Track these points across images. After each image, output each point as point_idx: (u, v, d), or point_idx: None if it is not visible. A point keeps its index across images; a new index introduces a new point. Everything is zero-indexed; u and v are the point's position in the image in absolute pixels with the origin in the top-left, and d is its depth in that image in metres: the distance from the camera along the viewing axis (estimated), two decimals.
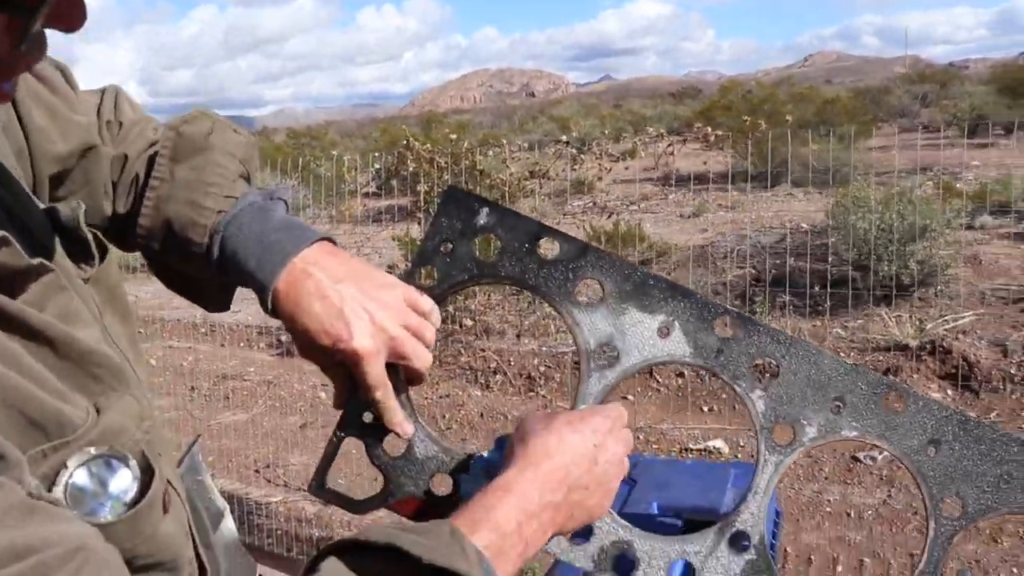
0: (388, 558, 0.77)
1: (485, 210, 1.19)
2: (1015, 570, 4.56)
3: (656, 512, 1.48)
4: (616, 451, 1.02)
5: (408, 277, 1.17)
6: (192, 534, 0.93)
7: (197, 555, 0.94)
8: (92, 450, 0.74)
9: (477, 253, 1.19)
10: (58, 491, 0.71)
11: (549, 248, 1.19)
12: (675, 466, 2.14)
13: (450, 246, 1.18)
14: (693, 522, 1.43)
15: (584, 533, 1.12)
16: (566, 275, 1.17)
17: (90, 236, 0.92)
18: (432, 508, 1.14)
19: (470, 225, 1.18)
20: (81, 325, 0.82)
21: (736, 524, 1.12)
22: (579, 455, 0.98)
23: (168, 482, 0.86)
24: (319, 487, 1.19)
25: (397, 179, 7.11)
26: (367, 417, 1.15)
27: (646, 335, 1.15)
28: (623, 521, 1.12)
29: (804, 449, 1.11)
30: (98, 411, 0.77)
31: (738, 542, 1.12)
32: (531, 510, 0.92)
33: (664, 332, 1.15)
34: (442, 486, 1.14)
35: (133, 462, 0.77)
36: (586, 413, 1.04)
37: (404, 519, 1.14)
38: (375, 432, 1.15)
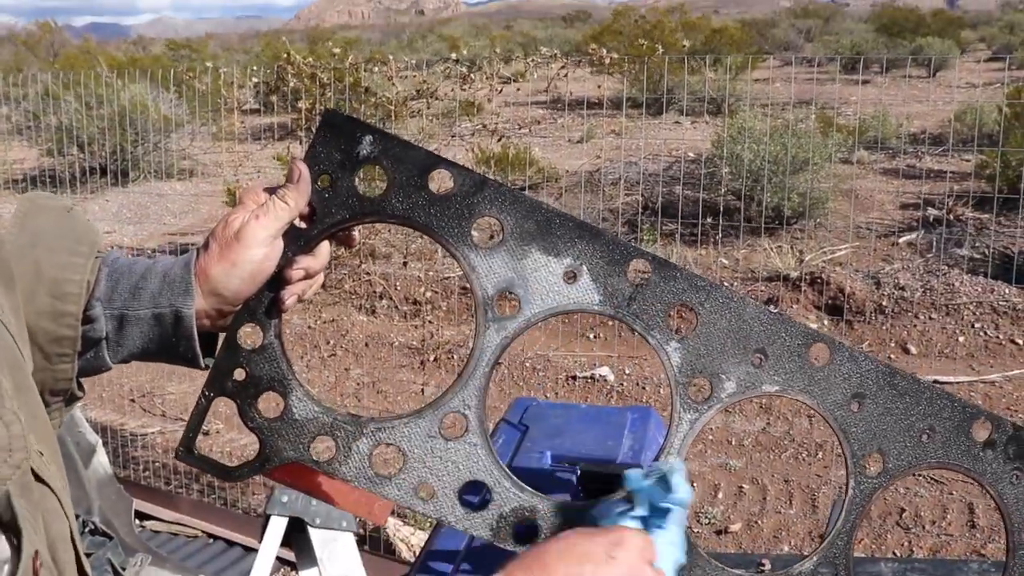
0: None
1: (369, 138, 1.03)
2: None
3: (550, 464, 1.40)
4: None
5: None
6: None
7: None
8: None
9: (360, 188, 1.04)
10: None
11: (442, 182, 1.05)
12: (570, 411, 2.05)
13: (328, 180, 1.03)
14: (589, 473, 1.36)
15: (481, 499, 1.02)
16: (461, 212, 1.03)
17: None
18: (313, 475, 1.02)
19: (351, 155, 1.03)
20: None
21: None
22: None
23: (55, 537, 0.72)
24: (187, 453, 1.05)
25: (278, 95, 6.76)
26: (239, 375, 1.01)
27: (551, 280, 1.03)
28: (523, 485, 1.02)
29: (722, 406, 1.02)
30: None
31: None
32: None
33: (571, 277, 1.04)
34: (324, 450, 1.02)
35: None
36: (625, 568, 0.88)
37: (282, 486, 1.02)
38: (248, 391, 1.02)
